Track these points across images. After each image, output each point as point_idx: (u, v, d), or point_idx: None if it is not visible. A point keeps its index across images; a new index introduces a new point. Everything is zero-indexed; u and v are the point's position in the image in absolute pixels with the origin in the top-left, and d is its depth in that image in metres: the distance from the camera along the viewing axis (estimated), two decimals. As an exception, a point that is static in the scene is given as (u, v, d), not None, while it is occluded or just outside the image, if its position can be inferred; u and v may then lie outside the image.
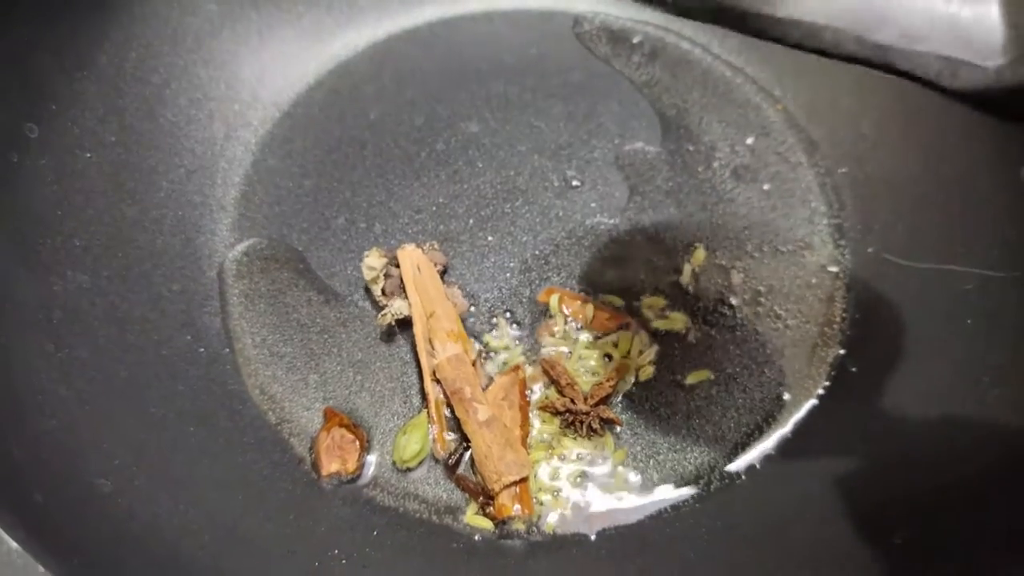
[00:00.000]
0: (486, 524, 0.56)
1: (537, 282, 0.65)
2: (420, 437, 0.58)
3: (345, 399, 0.61)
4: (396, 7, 0.78)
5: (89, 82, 0.64)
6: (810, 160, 0.71)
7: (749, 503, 0.57)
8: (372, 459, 0.58)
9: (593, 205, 0.69)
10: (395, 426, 0.60)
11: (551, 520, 0.56)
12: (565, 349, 0.62)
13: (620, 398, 0.60)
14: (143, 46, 0.68)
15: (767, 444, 0.59)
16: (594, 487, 0.57)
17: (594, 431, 0.58)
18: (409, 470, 0.58)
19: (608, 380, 0.59)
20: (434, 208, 0.69)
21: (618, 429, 0.59)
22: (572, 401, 0.58)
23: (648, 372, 0.61)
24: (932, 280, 0.61)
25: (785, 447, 0.59)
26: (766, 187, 0.70)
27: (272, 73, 0.74)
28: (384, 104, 0.74)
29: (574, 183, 0.70)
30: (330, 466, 0.57)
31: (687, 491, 0.58)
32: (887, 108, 0.69)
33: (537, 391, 0.61)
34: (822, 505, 0.55)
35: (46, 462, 0.49)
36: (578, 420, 0.58)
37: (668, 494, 0.58)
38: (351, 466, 0.57)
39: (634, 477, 0.58)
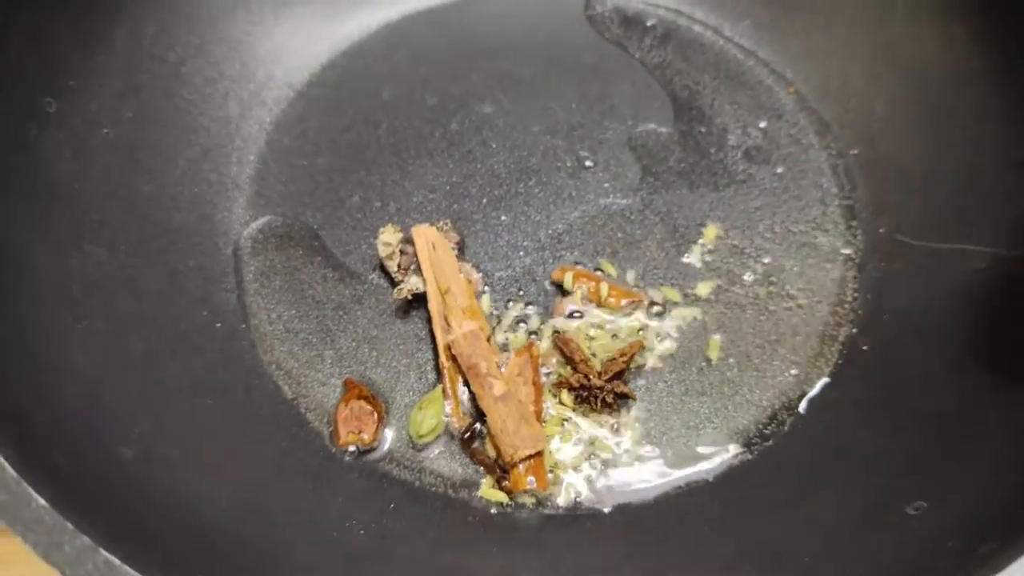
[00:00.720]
0: (501, 497, 0.56)
1: (551, 261, 0.66)
2: (436, 412, 0.59)
3: (360, 375, 0.61)
4: (409, -12, 0.79)
5: (106, 58, 0.65)
6: (822, 142, 0.71)
7: (762, 479, 0.58)
8: (389, 433, 0.59)
9: (606, 185, 0.69)
10: (411, 401, 0.60)
11: (565, 494, 0.57)
12: (579, 326, 0.62)
13: (635, 374, 0.61)
14: (159, 24, 0.68)
15: (780, 422, 0.60)
16: (608, 461, 0.58)
17: (608, 405, 0.58)
18: (425, 445, 0.58)
19: (622, 356, 0.60)
20: (448, 187, 0.69)
21: (632, 404, 0.60)
22: (586, 377, 0.59)
23: (670, 348, 0.61)
24: (943, 259, 0.62)
25: (797, 424, 0.60)
26: (778, 169, 0.70)
27: (286, 53, 0.74)
28: (397, 84, 0.74)
29: (587, 163, 0.71)
30: (347, 436, 0.58)
31: (701, 466, 0.58)
32: (898, 90, 0.69)
33: (551, 368, 0.61)
34: (834, 481, 0.56)
35: (67, 428, 0.49)
36: (592, 395, 0.58)
37: (682, 469, 0.58)
38: (368, 437, 0.58)
39: (648, 452, 0.58)
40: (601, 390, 0.58)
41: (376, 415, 0.59)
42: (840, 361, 0.62)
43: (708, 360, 0.62)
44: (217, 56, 0.71)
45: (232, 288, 0.64)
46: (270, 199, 0.69)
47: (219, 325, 0.62)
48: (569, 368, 0.60)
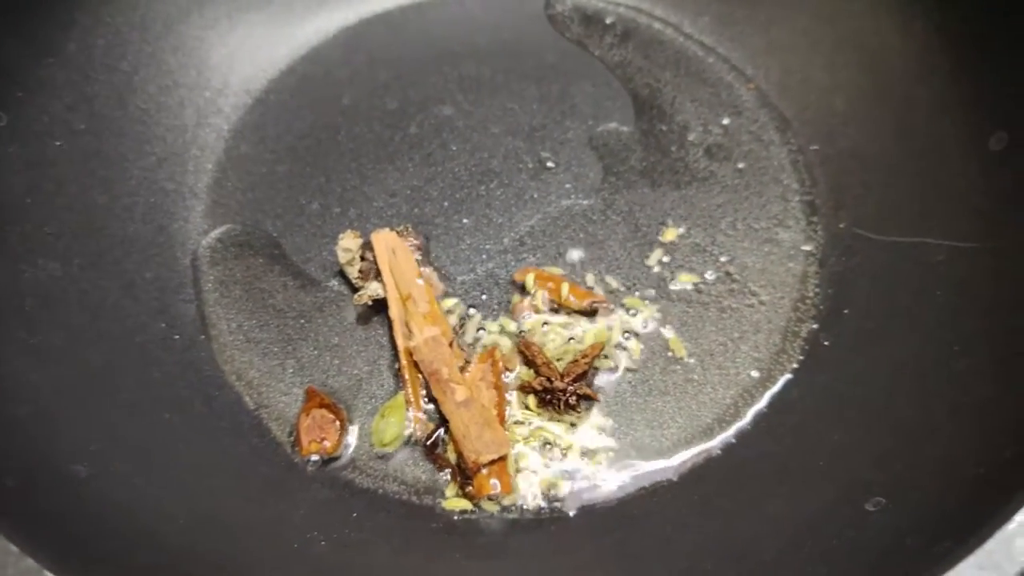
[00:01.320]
0: (464, 504, 0.56)
1: (513, 263, 0.66)
2: (398, 420, 0.58)
3: (322, 383, 0.61)
4: (367, -9, 0.78)
5: (57, 69, 0.64)
6: (782, 138, 0.71)
7: (726, 478, 0.58)
8: (352, 440, 0.59)
9: (568, 186, 0.69)
10: (373, 408, 0.60)
11: (529, 498, 0.57)
12: (541, 327, 0.62)
13: (597, 375, 0.61)
14: (111, 32, 0.67)
15: (743, 419, 0.60)
16: (572, 464, 0.58)
17: (571, 407, 0.58)
18: (388, 453, 0.58)
19: (584, 358, 0.59)
20: (408, 191, 0.69)
21: (595, 406, 0.59)
22: (549, 380, 0.58)
23: (632, 349, 0.61)
24: (903, 253, 0.62)
25: (761, 422, 0.60)
26: (739, 165, 0.70)
27: (242, 59, 0.74)
28: (357, 89, 0.74)
29: (548, 164, 0.70)
30: (309, 445, 0.57)
31: (664, 466, 0.58)
32: (858, 84, 0.69)
33: (513, 372, 0.61)
34: (797, 477, 0.56)
35: (19, 448, 0.49)
36: (555, 398, 0.58)
37: (646, 470, 0.58)
38: (330, 445, 0.57)
39: (612, 454, 0.58)
40: (564, 392, 0.58)
41: (338, 423, 0.58)
42: (802, 357, 0.62)
43: (671, 359, 0.62)
44: (171, 64, 0.70)
45: (191, 299, 0.64)
46: (228, 207, 0.68)
47: (177, 337, 0.61)
48: (531, 371, 0.60)
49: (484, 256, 0.66)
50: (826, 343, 0.62)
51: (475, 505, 0.56)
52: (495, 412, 0.58)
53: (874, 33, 0.68)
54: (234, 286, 0.64)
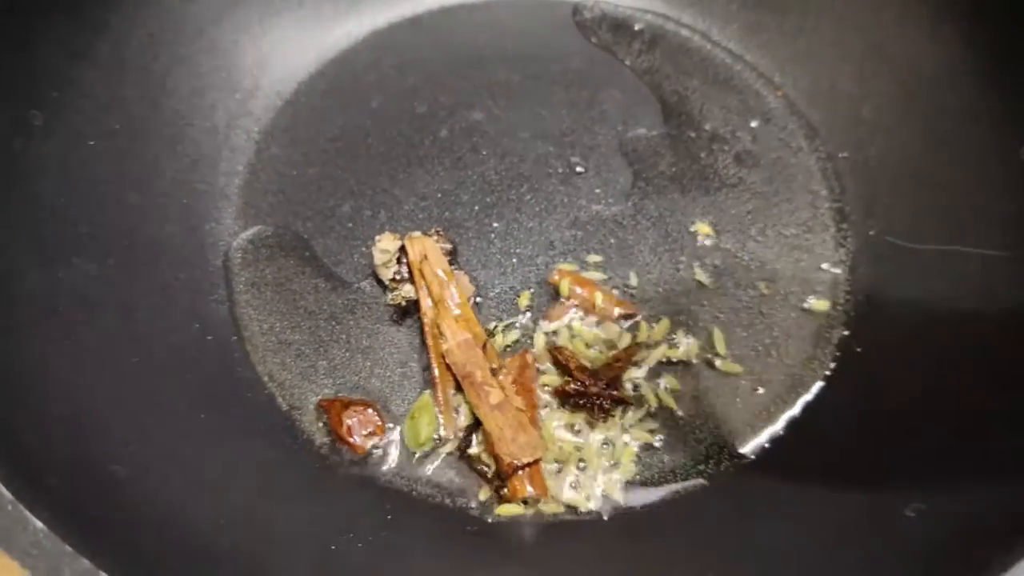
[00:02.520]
0: (516, 510, 0.56)
1: (543, 267, 0.66)
2: (429, 419, 0.58)
3: (354, 385, 0.61)
4: (397, -5, 0.78)
5: (92, 70, 0.64)
6: (811, 145, 0.71)
7: (760, 483, 0.58)
8: (390, 439, 0.58)
9: (597, 191, 0.69)
10: (406, 410, 0.60)
11: (564, 500, 0.57)
12: (573, 333, 0.62)
13: (631, 380, 0.61)
14: (145, 34, 0.67)
15: (776, 425, 0.60)
16: (606, 467, 0.58)
17: (605, 411, 0.58)
18: (424, 454, 0.58)
19: (617, 362, 0.60)
20: (439, 195, 0.69)
21: (629, 410, 0.59)
22: (583, 384, 0.58)
23: (664, 354, 0.61)
24: (934, 261, 0.62)
25: (794, 427, 0.60)
26: (768, 172, 0.70)
27: (273, 62, 0.74)
28: (386, 92, 0.74)
29: (578, 169, 0.70)
30: (364, 441, 0.58)
31: (698, 471, 0.58)
32: (886, 92, 0.69)
33: (545, 373, 0.61)
34: (831, 483, 0.56)
35: (59, 448, 0.49)
36: (589, 402, 0.58)
37: (680, 474, 0.58)
38: (378, 429, 0.58)
39: (646, 458, 0.58)
40: (598, 396, 0.58)
41: (371, 410, 0.58)
42: (834, 364, 0.62)
43: (705, 364, 0.62)
44: (203, 66, 0.71)
45: (223, 300, 0.64)
46: (260, 209, 0.68)
47: (210, 338, 0.61)
48: (564, 375, 0.60)
49: (515, 260, 0.66)
50: (858, 349, 0.62)
51: (528, 507, 0.56)
52: (528, 415, 0.58)
53: (903, 42, 0.68)
54: (265, 288, 0.64)
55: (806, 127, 0.72)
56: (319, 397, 0.60)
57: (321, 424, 0.59)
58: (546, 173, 0.70)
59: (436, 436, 0.58)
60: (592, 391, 0.58)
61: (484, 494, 0.57)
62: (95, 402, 0.53)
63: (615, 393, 0.59)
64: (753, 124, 0.73)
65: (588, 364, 0.60)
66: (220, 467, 0.55)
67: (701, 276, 0.65)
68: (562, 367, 0.60)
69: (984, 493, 0.48)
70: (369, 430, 0.58)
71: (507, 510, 0.56)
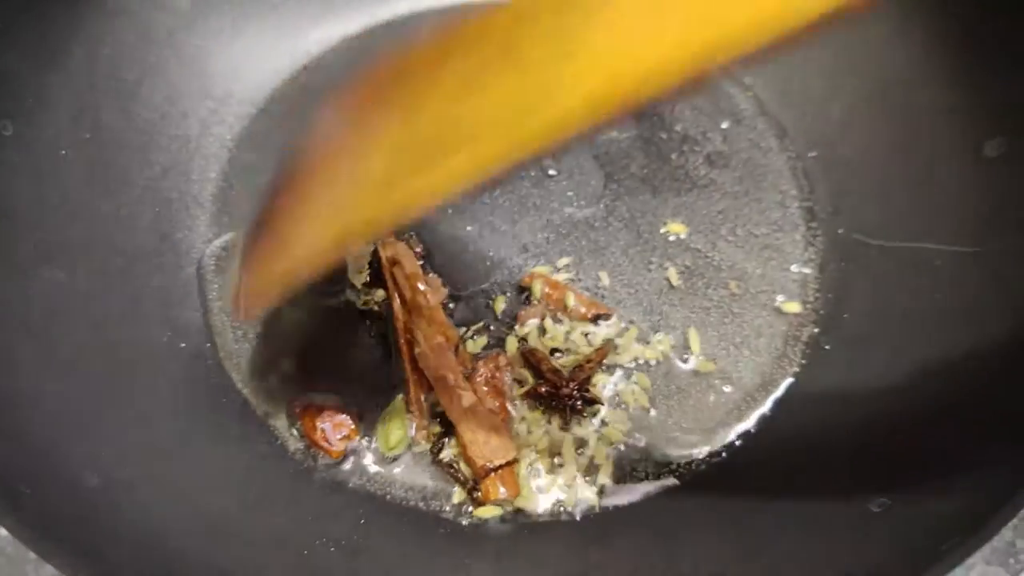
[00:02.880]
0: (496, 512, 0.56)
1: (516, 271, 0.66)
2: (400, 423, 0.59)
3: (328, 389, 0.61)
4: (370, 0, 0.78)
5: (62, 79, 0.64)
6: (781, 145, 0.72)
7: (731, 481, 0.58)
8: (360, 445, 0.59)
9: (570, 194, 0.70)
10: (379, 414, 0.60)
11: (537, 502, 0.57)
12: (544, 333, 0.63)
13: (602, 380, 0.61)
14: (116, 42, 0.67)
15: (747, 423, 0.60)
16: (579, 468, 0.58)
17: (577, 412, 0.59)
18: (395, 457, 0.58)
19: (588, 362, 0.60)
20: (412, 199, 0.69)
21: (600, 410, 0.60)
22: (554, 385, 0.59)
23: (636, 353, 0.62)
24: (902, 258, 0.63)
25: (764, 425, 0.60)
26: (738, 173, 0.71)
27: (246, 69, 0.74)
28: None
29: (551, 172, 0.71)
30: (339, 444, 0.58)
31: (670, 470, 0.59)
32: (855, 92, 0.70)
33: (517, 376, 0.61)
34: (802, 480, 0.56)
35: (30, 456, 0.49)
36: (561, 403, 0.59)
37: (652, 474, 0.58)
38: (352, 431, 0.58)
39: (617, 458, 0.59)
40: (570, 397, 0.59)
41: (343, 414, 0.59)
42: (804, 361, 0.63)
43: (678, 361, 0.62)
44: (174, 74, 0.71)
45: (196, 307, 0.64)
46: (233, 216, 0.68)
47: (183, 345, 0.61)
48: (536, 378, 0.60)
49: (488, 264, 0.66)
50: (827, 347, 0.63)
51: (502, 509, 0.56)
52: (501, 417, 0.58)
53: (871, 42, 0.69)
54: (239, 294, 0.65)
55: (776, 127, 0.73)
56: (293, 402, 0.60)
57: (295, 430, 0.59)
58: (519, 176, 0.70)
59: (409, 439, 0.59)
60: (564, 392, 0.59)
61: (458, 497, 0.57)
62: (66, 411, 0.53)
63: (587, 394, 0.59)
64: (724, 125, 0.73)
65: (559, 366, 0.60)
66: (193, 474, 0.55)
67: (672, 276, 0.66)
68: (534, 368, 0.60)
69: (947, 489, 0.49)
70: (343, 434, 0.58)
71: (483, 512, 0.57)
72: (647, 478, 0.58)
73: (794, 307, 0.64)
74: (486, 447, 0.56)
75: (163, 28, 0.71)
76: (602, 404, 0.60)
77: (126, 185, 0.66)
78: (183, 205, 0.68)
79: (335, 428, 0.58)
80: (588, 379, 0.60)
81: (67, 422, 0.52)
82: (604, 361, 0.61)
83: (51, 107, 0.63)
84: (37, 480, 0.46)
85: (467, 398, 0.58)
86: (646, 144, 0.72)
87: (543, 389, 0.59)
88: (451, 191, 0.40)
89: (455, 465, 0.58)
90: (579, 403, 0.59)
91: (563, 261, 0.66)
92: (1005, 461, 0.47)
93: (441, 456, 0.58)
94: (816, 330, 0.64)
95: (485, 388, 0.60)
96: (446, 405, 0.58)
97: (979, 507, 0.45)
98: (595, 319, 0.63)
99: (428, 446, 0.58)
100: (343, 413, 0.59)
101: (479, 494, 0.57)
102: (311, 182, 0.46)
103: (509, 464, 0.57)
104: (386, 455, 0.58)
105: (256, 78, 0.74)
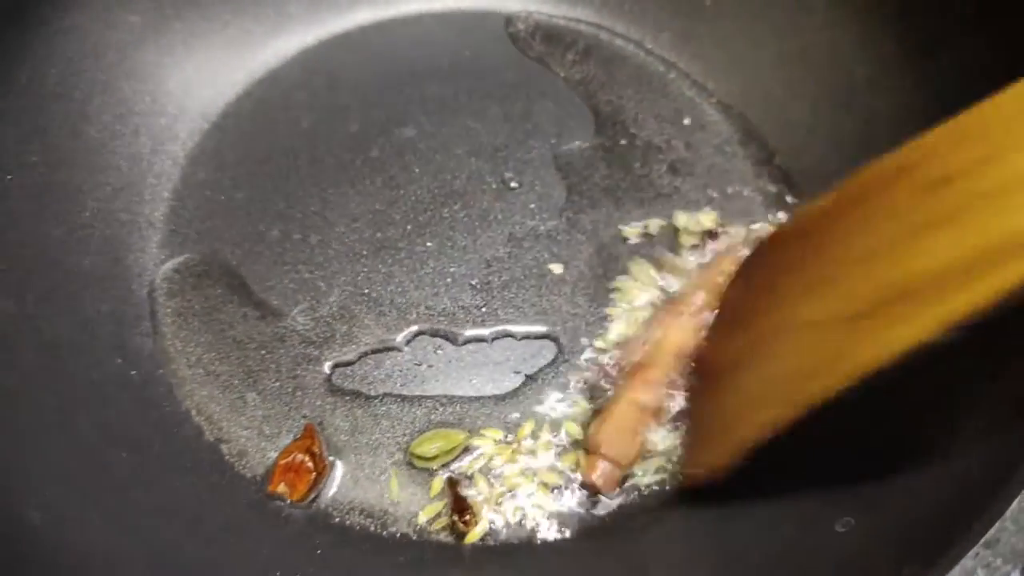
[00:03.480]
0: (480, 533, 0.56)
1: (478, 287, 0.65)
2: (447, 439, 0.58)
3: (284, 415, 0.59)
4: (326, 12, 0.77)
5: (9, 100, 0.62)
6: (745, 151, 0.71)
7: (696, 501, 0.57)
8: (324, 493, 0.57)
9: (532, 206, 0.69)
10: (338, 441, 0.58)
11: (500, 527, 0.56)
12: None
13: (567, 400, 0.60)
14: (64, 61, 0.66)
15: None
16: (543, 493, 0.57)
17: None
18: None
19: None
20: (370, 215, 0.68)
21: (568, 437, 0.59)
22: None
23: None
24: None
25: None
26: (703, 180, 0.70)
27: (199, 84, 0.72)
28: (317, 111, 0.73)
29: (512, 184, 0.70)
30: (277, 485, 0.56)
31: (636, 494, 0.57)
32: (818, 95, 0.69)
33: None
34: (772, 500, 0.55)
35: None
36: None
37: (617, 498, 0.57)
38: (296, 495, 0.56)
39: (579, 480, 0.58)
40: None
41: (314, 475, 0.56)
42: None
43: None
44: (126, 91, 0.69)
45: (148, 332, 0.62)
46: (186, 236, 0.67)
47: (134, 372, 0.60)
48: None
49: (448, 279, 0.65)
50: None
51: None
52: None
53: (834, 46, 0.68)
54: (192, 318, 0.63)
55: (740, 133, 0.72)
56: (308, 422, 0.59)
57: (258, 459, 0.58)
58: (480, 190, 0.69)
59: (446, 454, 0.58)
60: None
61: (424, 516, 0.56)
62: (11, 445, 0.52)
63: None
64: (687, 133, 0.72)
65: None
66: (144, 507, 0.53)
67: (636, 290, 0.64)
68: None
69: (912, 511, 0.48)
70: (292, 482, 0.56)
71: (474, 536, 0.55)
72: (612, 500, 0.57)
73: (760, 319, 0.63)
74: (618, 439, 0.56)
75: (114, 45, 0.69)
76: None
77: (76, 207, 0.64)
78: (135, 226, 0.66)
79: (299, 474, 0.56)
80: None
81: (11, 457, 0.51)
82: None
83: (-4, 130, 0.61)
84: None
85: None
86: (608, 153, 0.71)
87: None
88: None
89: (455, 492, 0.56)
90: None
91: (526, 275, 0.65)
92: (972, 485, 0.46)
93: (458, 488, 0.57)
94: (782, 342, 0.63)
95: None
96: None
97: (944, 530, 0.44)
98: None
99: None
100: (314, 463, 0.56)
101: (467, 519, 0.55)
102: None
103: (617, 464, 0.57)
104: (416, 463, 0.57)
105: (210, 93, 0.73)
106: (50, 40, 0.66)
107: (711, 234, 0.66)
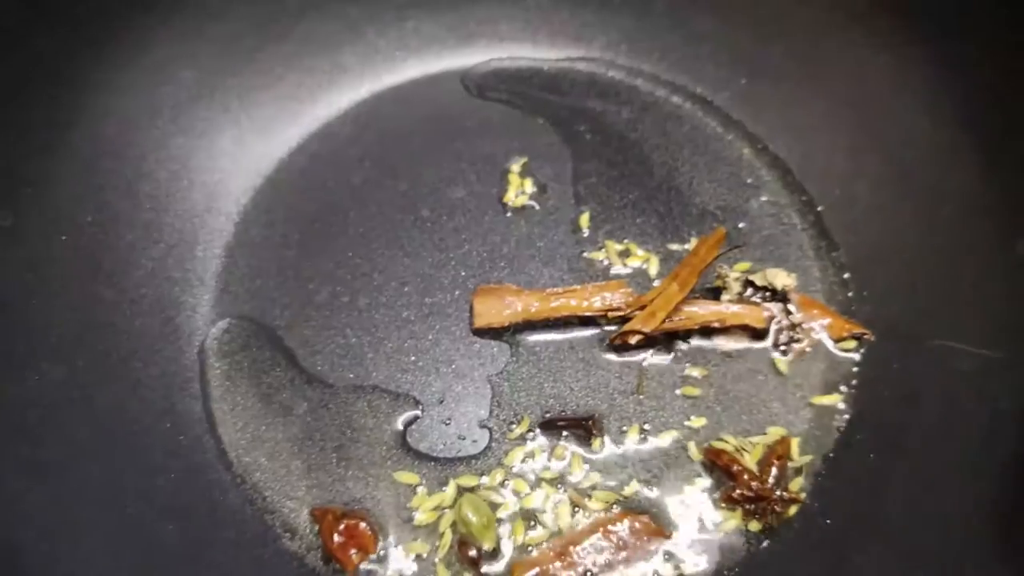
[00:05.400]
0: None
1: (525, 355, 0.64)
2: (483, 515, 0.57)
3: (329, 485, 0.59)
4: (379, 65, 0.77)
5: (65, 161, 0.63)
6: (804, 221, 0.69)
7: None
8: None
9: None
10: (386, 513, 0.58)
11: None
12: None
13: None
14: (119, 120, 0.67)
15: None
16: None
17: (778, 515, 0.57)
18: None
19: (778, 458, 0.58)
20: (419, 279, 0.67)
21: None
22: (750, 487, 0.57)
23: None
24: (930, 355, 0.60)
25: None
26: (760, 251, 0.68)
27: (253, 139, 0.72)
28: (367, 168, 0.72)
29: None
30: (355, 558, 0.56)
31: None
32: (880, 169, 0.67)
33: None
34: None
35: (17, 571, 0.48)
36: (766, 507, 0.56)
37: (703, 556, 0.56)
38: (370, 545, 0.56)
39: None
40: (772, 501, 0.56)
41: (364, 523, 0.56)
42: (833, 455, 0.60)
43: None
44: (181, 148, 0.70)
45: (196, 394, 0.63)
46: (236, 296, 0.67)
47: (182, 438, 0.60)
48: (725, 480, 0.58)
49: (494, 347, 0.64)
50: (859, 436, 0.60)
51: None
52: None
53: (899, 121, 0.66)
54: (241, 380, 0.63)
55: (799, 203, 0.70)
56: (311, 506, 0.58)
57: (303, 532, 0.58)
58: (528, 255, 0.68)
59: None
60: (763, 494, 0.56)
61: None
62: (59, 522, 0.52)
63: (786, 495, 0.57)
64: (744, 200, 0.70)
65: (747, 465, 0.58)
66: (188, 581, 0.54)
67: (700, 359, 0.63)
68: (723, 470, 0.58)
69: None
70: (359, 548, 0.56)
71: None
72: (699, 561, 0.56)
73: (831, 402, 0.62)
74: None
75: (168, 102, 0.70)
76: (800, 503, 0.57)
77: (129, 267, 0.65)
78: (187, 285, 0.67)
79: (353, 540, 0.56)
80: (783, 475, 0.58)
81: (58, 535, 0.51)
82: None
83: (52, 192, 0.62)
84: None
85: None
86: (662, 219, 0.69)
87: (738, 495, 0.57)
88: None
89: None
90: (779, 504, 0.56)
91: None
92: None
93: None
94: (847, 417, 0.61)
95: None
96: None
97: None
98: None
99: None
100: (363, 522, 0.57)
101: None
102: None
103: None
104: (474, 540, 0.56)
105: (264, 148, 0.73)
106: (105, 100, 0.66)
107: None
